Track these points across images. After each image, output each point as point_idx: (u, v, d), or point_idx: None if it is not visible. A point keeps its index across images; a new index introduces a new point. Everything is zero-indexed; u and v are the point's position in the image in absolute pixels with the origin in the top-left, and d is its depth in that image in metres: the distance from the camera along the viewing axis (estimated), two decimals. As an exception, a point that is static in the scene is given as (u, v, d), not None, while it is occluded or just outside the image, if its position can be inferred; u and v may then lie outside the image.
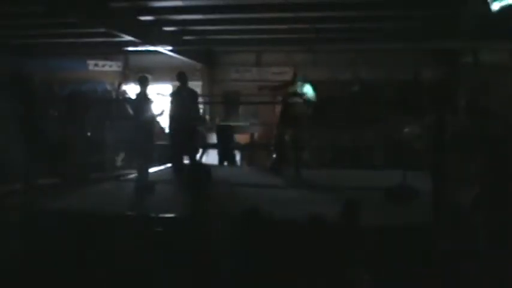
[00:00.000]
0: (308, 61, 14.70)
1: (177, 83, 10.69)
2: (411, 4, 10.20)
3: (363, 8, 10.44)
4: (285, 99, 9.98)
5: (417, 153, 10.17)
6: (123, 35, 11.63)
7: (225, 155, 13.12)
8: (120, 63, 16.92)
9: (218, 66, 16.89)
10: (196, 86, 14.42)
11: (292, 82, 10.16)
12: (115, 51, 15.60)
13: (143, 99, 9.36)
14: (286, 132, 9.87)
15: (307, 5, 10.42)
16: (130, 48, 14.39)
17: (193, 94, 10.76)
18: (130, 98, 13.05)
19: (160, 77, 15.06)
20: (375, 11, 10.69)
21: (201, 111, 14.41)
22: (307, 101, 9.86)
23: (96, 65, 16.50)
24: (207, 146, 13.27)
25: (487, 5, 9.02)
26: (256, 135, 15.26)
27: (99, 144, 11.64)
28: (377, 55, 14.21)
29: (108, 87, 16.04)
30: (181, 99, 10.01)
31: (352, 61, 14.60)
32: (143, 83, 9.45)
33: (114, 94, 15.23)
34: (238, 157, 13.65)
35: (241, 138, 14.38)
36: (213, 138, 13.96)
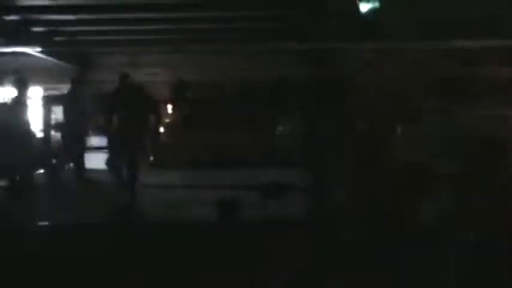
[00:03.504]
0: (183, 62, 14.72)
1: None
2: (278, 4, 10.48)
3: (228, 8, 10.58)
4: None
5: (290, 151, 10.46)
6: (-15, 35, 11.09)
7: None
8: (-17, 65, 16.01)
9: (92, 67, 16.50)
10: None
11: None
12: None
13: (19, 103, 8.73)
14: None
15: (175, 5, 10.43)
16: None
17: None
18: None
19: (30, 79, 14.43)
20: (241, 11, 10.85)
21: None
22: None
23: (-47, 67, 15.50)
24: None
25: (355, 6, 9.41)
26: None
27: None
28: (248, 56, 14.47)
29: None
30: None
31: (223, 61, 14.78)
32: (20, 86, 8.78)
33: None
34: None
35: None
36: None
